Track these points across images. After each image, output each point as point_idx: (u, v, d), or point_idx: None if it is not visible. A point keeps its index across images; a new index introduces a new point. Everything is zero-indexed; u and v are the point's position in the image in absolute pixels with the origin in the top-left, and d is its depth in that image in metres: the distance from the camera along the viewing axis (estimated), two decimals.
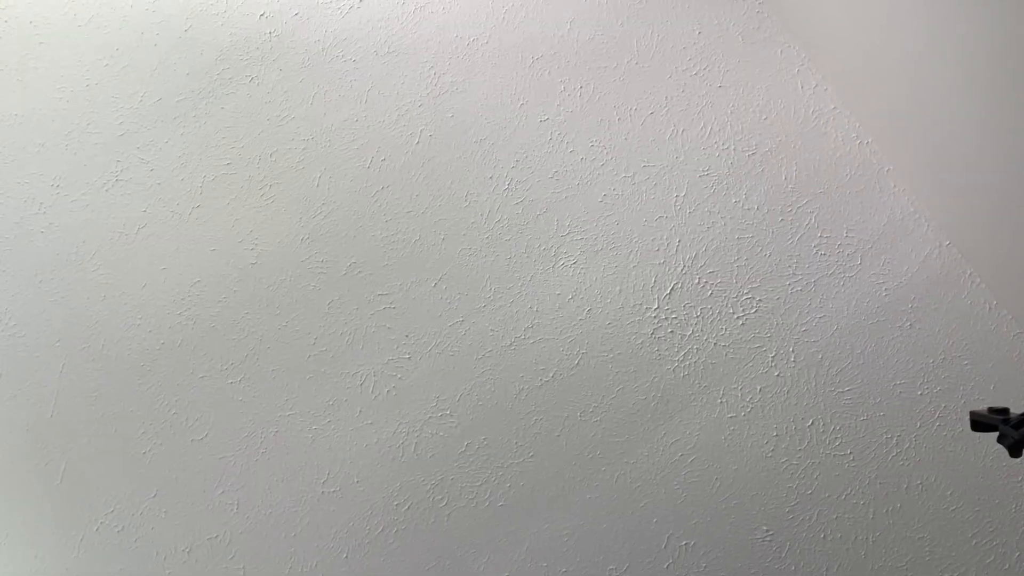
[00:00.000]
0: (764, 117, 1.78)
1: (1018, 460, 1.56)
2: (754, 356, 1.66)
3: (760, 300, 1.69)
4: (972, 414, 1.03)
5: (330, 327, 1.71)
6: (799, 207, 1.73)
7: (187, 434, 1.68)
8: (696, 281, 1.70)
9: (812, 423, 1.62)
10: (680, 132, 1.79)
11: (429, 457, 1.65)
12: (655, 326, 1.68)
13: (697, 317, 1.68)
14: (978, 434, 1.58)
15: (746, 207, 1.74)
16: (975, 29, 1.29)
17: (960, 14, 1.31)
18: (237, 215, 1.78)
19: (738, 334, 1.67)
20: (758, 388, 1.64)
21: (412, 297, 1.72)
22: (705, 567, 1.58)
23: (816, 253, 1.70)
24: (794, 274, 1.69)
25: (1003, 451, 1.57)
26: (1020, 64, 1.23)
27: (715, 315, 1.68)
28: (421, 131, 1.81)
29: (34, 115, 1.85)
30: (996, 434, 1.52)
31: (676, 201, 1.75)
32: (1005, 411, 1.02)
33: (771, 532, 1.58)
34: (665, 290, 1.70)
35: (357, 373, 1.69)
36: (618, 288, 1.71)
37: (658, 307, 1.69)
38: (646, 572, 1.58)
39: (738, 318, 1.68)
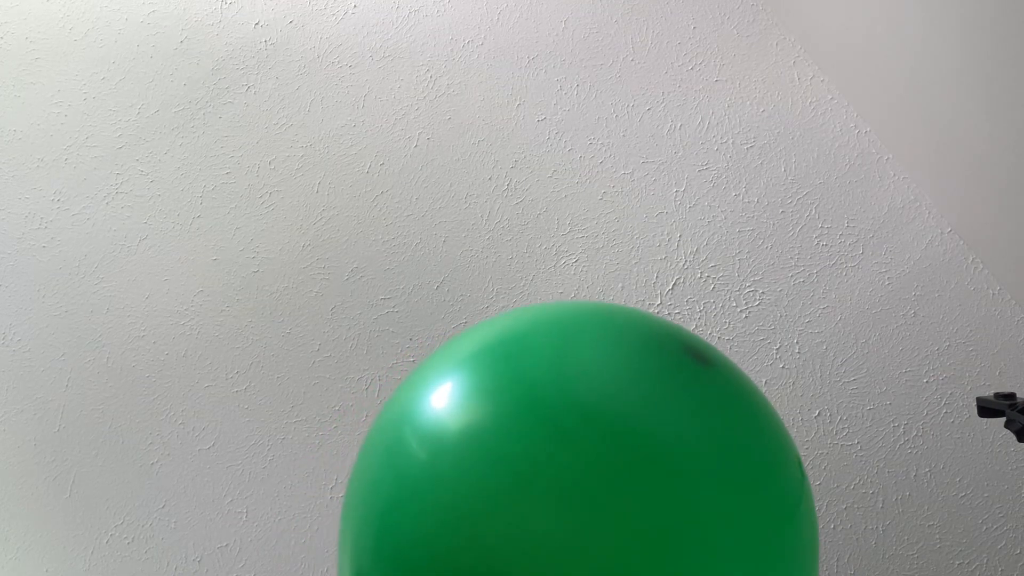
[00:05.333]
0: (761, 110, 1.78)
1: None
2: (758, 349, 1.65)
3: (763, 293, 1.69)
4: (979, 400, 1.03)
5: (334, 333, 1.72)
6: (799, 198, 1.73)
7: (194, 444, 1.68)
8: (698, 276, 1.70)
9: (818, 414, 1.62)
10: (678, 127, 1.79)
11: None
12: None
13: (700, 312, 1.68)
14: (985, 420, 1.57)
15: (746, 200, 1.73)
16: (972, 13, 1.29)
17: None
18: (238, 224, 1.78)
19: (742, 327, 1.67)
20: (763, 381, 1.64)
21: (415, 300, 1.73)
22: None
23: (818, 244, 1.70)
24: (796, 266, 1.69)
25: (1011, 436, 1.56)
26: (1018, 47, 1.23)
27: (718, 309, 1.68)
28: (419, 134, 1.81)
29: (33, 130, 1.85)
30: (1003, 419, 1.52)
31: (676, 196, 1.75)
32: (1012, 396, 1.02)
33: None
34: (667, 285, 1.70)
35: (362, 378, 1.69)
36: (620, 285, 1.71)
37: (661, 303, 1.69)
38: None
39: (741, 311, 1.68)
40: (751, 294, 1.68)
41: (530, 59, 1.85)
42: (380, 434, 0.78)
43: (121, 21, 1.90)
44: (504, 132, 1.80)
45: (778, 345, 1.65)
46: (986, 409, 1.02)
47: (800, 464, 0.82)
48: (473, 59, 1.85)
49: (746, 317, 1.67)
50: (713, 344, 1.66)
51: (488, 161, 1.79)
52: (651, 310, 1.69)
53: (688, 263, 1.71)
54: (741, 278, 1.69)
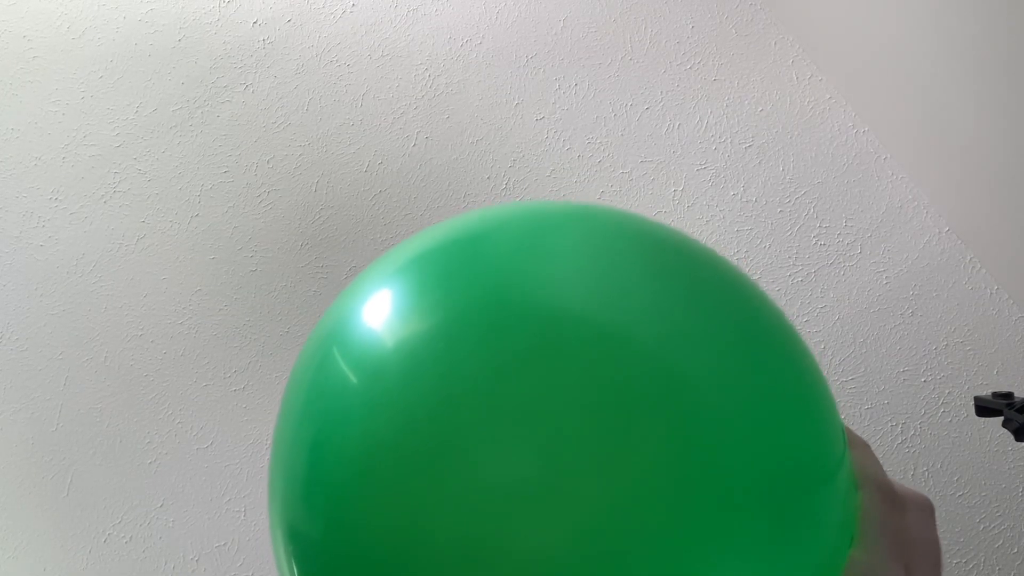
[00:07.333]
0: (760, 109, 1.78)
1: (1023, 444, 1.56)
2: None
3: None
4: (976, 399, 1.03)
5: None
6: (797, 198, 1.73)
7: (192, 443, 1.68)
8: None
9: None
10: (676, 126, 1.79)
11: None
12: None
13: None
14: (983, 419, 1.57)
15: (744, 199, 1.74)
16: (972, 12, 1.29)
17: None
18: (236, 223, 1.78)
19: None
20: None
21: None
22: None
23: (816, 243, 1.70)
24: (794, 265, 1.69)
25: (1008, 435, 1.57)
26: (1016, 46, 1.23)
27: None
28: (417, 133, 1.81)
29: (31, 129, 1.85)
30: (1001, 419, 1.52)
31: (674, 195, 1.75)
32: (1009, 395, 1.02)
33: None
34: None
35: None
36: None
37: None
38: None
39: None
40: None
41: (528, 58, 1.85)
42: (307, 359, 0.63)
43: (119, 19, 1.90)
44: (502, 131, 1.80)
45: None
46: (984, 408, 1.02)
47: (844, 432, 0.68)
48: (471, 58, 1.85)
49: None
50: None
51: (486, 160, 1.79)
52: None
53: None
54: None
